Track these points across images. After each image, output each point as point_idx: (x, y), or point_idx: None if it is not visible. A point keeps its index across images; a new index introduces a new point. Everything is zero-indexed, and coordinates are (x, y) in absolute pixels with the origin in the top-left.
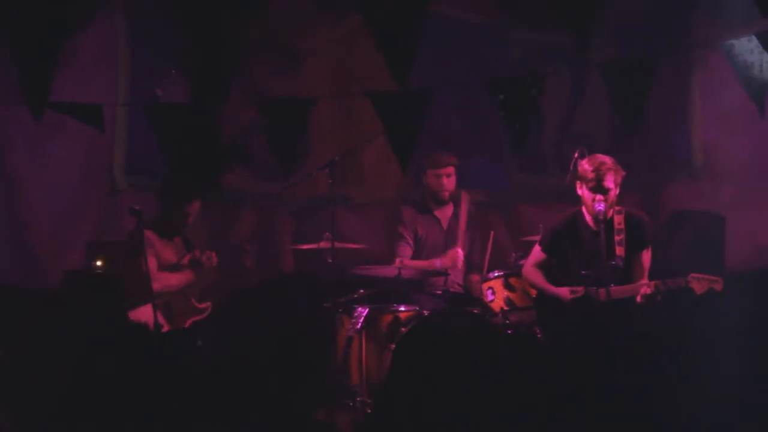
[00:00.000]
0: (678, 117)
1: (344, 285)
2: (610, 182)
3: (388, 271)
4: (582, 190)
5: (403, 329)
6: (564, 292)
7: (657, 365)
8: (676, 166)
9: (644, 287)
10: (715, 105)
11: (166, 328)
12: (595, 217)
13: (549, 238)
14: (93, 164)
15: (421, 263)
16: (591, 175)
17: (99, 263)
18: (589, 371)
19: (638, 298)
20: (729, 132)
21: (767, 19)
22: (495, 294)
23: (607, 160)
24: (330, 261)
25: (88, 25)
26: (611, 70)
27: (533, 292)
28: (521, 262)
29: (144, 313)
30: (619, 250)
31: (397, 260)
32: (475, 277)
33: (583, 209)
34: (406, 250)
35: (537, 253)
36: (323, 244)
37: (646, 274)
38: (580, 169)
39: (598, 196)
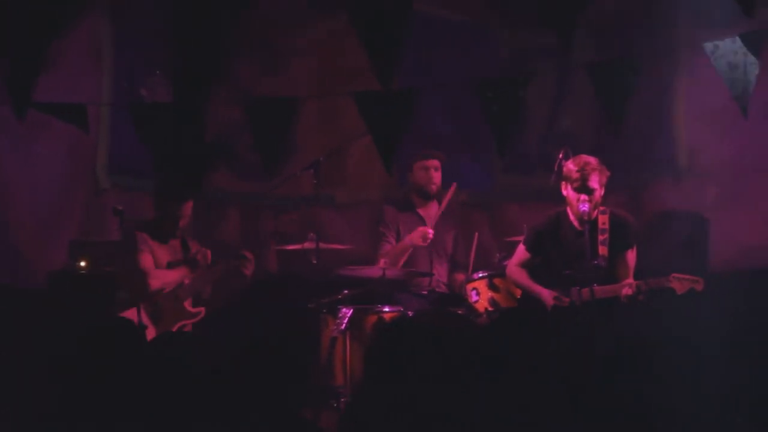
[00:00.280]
0: (662, 117)
1: (328, 286)
2: (594, 183)
3: (373, 271)
4: (567, 191)
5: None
6: (547, 296)
7: (639, 366)
8: (659, 166)
9: (626, 288)
10: (698, 106)
11: (152, 331)
12: (580, 217)
13: (533, 237)
14: (77, 164)
15: (395, 248)
16: (576, 176)
17: (83, 263)
18: (575, 373)
19: (621, 299)
20: (713, 133)
21: (751, 20)
22: (479, 295)
23: (592, 160)
24: (314, 262)
25: (73, 25)
26: (596, 70)
27: (518, 293)
28: (505, 263)
29: (131, 315)
30: (603, 250)
31: (381, 261)
32: (460, 276)
33: (568, 209)
34: (386, 249)
35: (521, 252)
36: (307, 245)
37: (631, 274)
38: (565, 169)
39: (583, 197)
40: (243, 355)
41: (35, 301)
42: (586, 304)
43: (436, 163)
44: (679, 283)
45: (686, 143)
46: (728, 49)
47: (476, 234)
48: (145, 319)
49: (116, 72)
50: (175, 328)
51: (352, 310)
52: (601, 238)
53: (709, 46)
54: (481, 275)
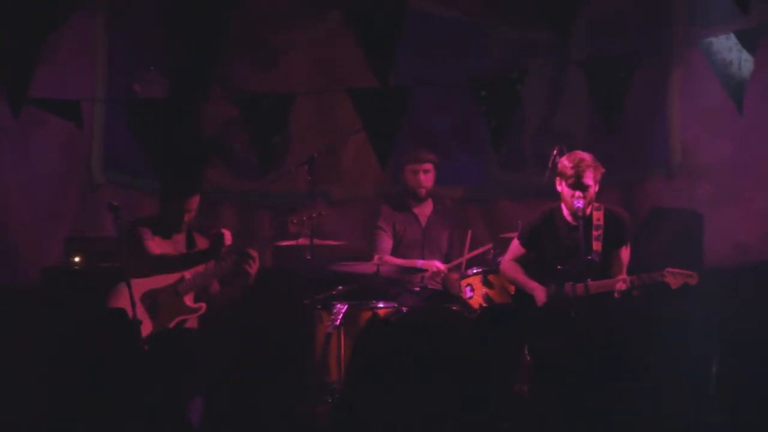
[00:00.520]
0: (657, 114)
1: (323, 282)
2: (589, 179)
3: (367, 267)
4: (561, 187)
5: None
6: (539, 294)
7: (633, 360)
8: (654, 163)
9: (620, 283)
10: (693, 103)
11: (149, 325)
12: (574, 214)
13: (527, 232)
14: (71, 160)
15: (401, 261)
16: (570, 172)
17: (77, 259)
18: (568, 368)
19: (615, 294)
20: (707, 130)
21: (746, 17)
22: (474, 291)
23: (587, 157)
24: (309, 258)
25: (68, 21)
26: (592, 67)
27: (512, 289)
28: (499, 259)
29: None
30: (597, 245)
31: (376, 257)
32: (454, 275)
33: (562, 205)
34: (386, 243)
35: (516, 247)
36: (302, 241)
37: (624, 270)
38: (559, 165)
39: (577, 193)
40: (236, 351)
41: (30, 297)
42: (580, 299)
43: (426, 166)
44: (673, 277)
45: (681, 140)
46: (723, 46)
47: (469, 232)
48: (142, 314)
49: (110, 68)
50: (173, 324)
51: (346, 306)
52: (595, 233)
53: (704, 43)
54: (475, 271)
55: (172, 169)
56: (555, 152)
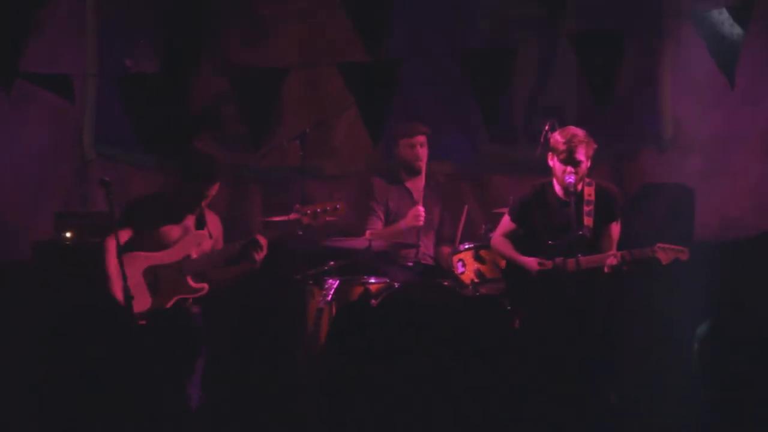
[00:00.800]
0: (648, 89)
1: (315, 257)
2: (581, 155)
3: (359, 243)
4: (553, 162)
5: (373, 300)
6: (532, 263)
7: (624, 334)
8: (645, 137)
9: (611, 258)
10: (685, 77)
11: (148, 301)
12: (566, 189)
13: (518, 207)
14: (61, 135)
15: (387, 229)
16: (562, 147)
17: (68, 234)
18: (559, 342)
19: (605, 269)
20: (699, 104)
21: None
22: (465, 266)
23: (579, 132)
24: (300, 233)
25: None
26: (582, 41)
27: (503, 264)
28: (491, 234)
29: (118, 285)
30: (588, 221)
31: (368, 232)
32: (446, 249)
33: (553, 180)
34: (376, 224)
35: (506, 222)
36: (293, 216)
37: (614, 245)
38: (551, 140)
39: (569, 169)
40: (228, 326)
41: (21, 272)
42: (572, 274)
43: (421, 139)
44: (664, 253)
45: (672, 114)
46: (715, 20)
47: (465, 207)
48: (142, 289)
49: (101, 42)
50: (171, 302)
51: (338, 281)
52: (586, 209)
53: (695, 16)
54: (467, 246)
55: (194, 154)
56: (547, 127)
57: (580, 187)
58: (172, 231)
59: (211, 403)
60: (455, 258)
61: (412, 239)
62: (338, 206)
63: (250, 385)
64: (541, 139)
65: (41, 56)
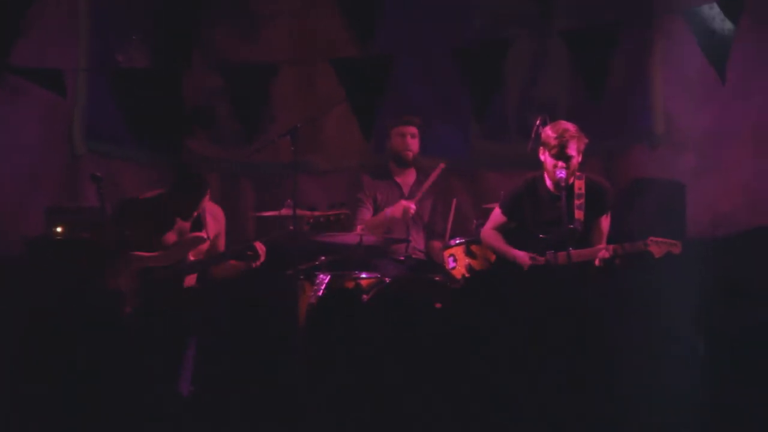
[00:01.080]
0: (639, 84)
1: (306, 252)
2: (572, 150)
3: (350, 237)
4: (544, 156)
5: (364, 296)
6: (523, 257)
7: (615, 329)
8: (637, 133)
9: (603, 251)
10: (676, 72)
11: (140, 302)
12: (556, 183)
13: (509, 201)
14: (52, 130)
15: (375, 218)
16: (554, 142)
17: (59, 229)
18: (548, 336)
19: (596, 262)
20: (690, 99)
21: None
22: (456, 261)
23: (571, 127)
24: (292, 228)
25: None
26: (574, 37)
27: (494, 259)
28: (481, 230)
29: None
30: (579, 215)
31: (359, 227)
32: (437, 243)
33: (545, 174)
34: (365, 215)
35: (497, 215)
36: (285, 211)
37: (604, 239)
38: (543, 135)
39: (560, 163)
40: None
41: (11, 267)
42: (563, 267)
43: (413, 129)
44: (657, 246)
45: (663, 110)
46: (706, 16)
47: (454, 201)
48: (135, 289)
49: (93, 36)
50: (164, 303)
51: (329, 277)
52: (577, 203)
53: (687, 12)
54: (458, 241)
55: (183, 169)
56: (538, 122)
57: (570, 181)
58: (168, 233)
59: (201, 398)
60: (446, 253)
61: (402, 234)
62: (341, 216)
63: (241, 380)
64: (533, 135)
65: (32, 51)
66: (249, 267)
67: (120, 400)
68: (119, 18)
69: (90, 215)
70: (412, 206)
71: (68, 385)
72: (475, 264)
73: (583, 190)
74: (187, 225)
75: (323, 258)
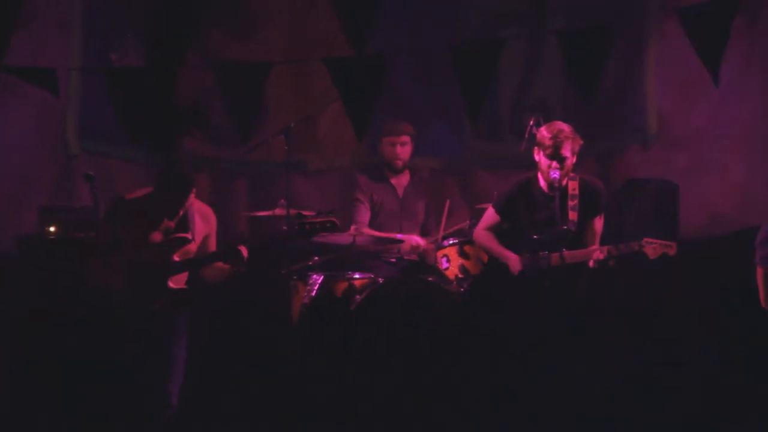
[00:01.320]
0: (633, 84)
1: (299, 252)
2: (567, 151)
3: (343, 238)
4: (539, 156)
5: (357, 296)
6: (515, 260)
7: (607, 329)
8: (631, 133)
9: (597, 252)
10: (670, 72)
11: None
12: (550, 184)
13: (503, 201)
14: (46, 128)
15: (381, 234)
16: (548, 143)
17: (52, 229)
18: (540, 336)
19: (591, 263)
20: (684, 100)
21: None
22: (450, 262)
23: (566, 128)
24: (285, 228)
25: None
26: (567, 38)
27: (485, 258)
28: (474, 230)
29: None
30: (572, 215)
31: (353, 228)
32: (430, 245)
33: (539, 174)
34: (364, 214)
35: (490, 215)
36: (278, 211)
37: (597, 240)
38: (538, 135)
39: (554, 164)
40: (213, 321)
41: (5, 266)
42: (555, 269)
43: (404, 138)
44: (652, 248)
45: (657, 110)
46: (700, 17)
47: (447, 201)
48: (122, 288)
49: (86, 35)
50: (151, 304)
51: (322, 277)
52: (571, 203)
53: (681, 13)
54: (451, 242)
55: (169, 167)
56: (531, 123)
57: (564, 182)
58: (154, 234)
59: (192, 400)
60: (440, 253)
61: (395, 233)
62: (336, 223)
63: (234, 382)
64: (526, 135)
65: (26, 49)
66: (236, 271)
67: (110, 400)
68: (113, 16)
69: (83, 215)
70: (422, 244)
71: (56, 383)
72: (469, 265)
73: (577, 191)
74: (173, 225)
75: (316, 258)
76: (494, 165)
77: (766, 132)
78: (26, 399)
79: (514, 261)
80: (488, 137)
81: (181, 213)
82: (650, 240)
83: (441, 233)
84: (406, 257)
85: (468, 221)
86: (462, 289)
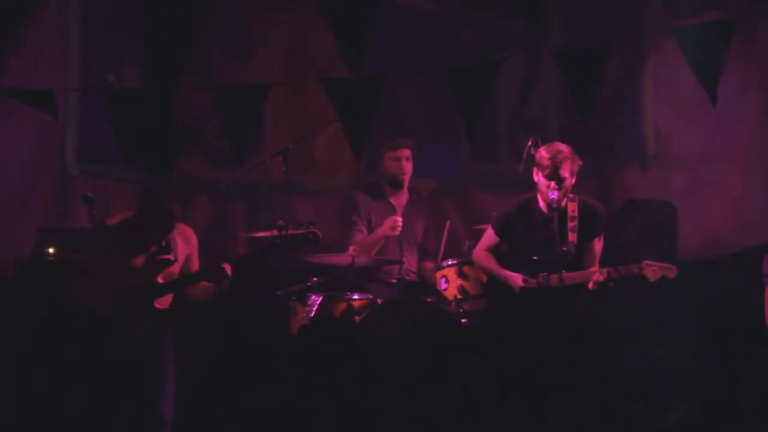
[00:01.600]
0: (631, 104)
1: (298, 273)
2: (565, 171)
3: (342, 258)
4: (538, 177)
5: (356, 317)
6: (515, 278)
7: (606, 353)
8: (628, 154)
9: (597, 274)
10: (668, 93)
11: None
12: (549, 204)
13: (502, 222)
14: (44, 150)
15: (366, 239)
16: (547, 163)
17: (51, 250)
18: (539, 358)
19: (590, 285)
20: (681, 120)
21: (721, 8)
22: (448, 282)
23: (565, 149)
24: (266, 239)
25: (41, 9)
26: (565, 58)
27: (486, 280)
28: (473, 251)
29: None
30: (572, 237)
31: (351, 248)
32: (429, 264)
33: (538, 195)
34: (358, 238)
35: (490, 236)
36: (276, 232)
37: (597, 261)
38: (537, 156)
39: (552, 184)
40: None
41: (2, 288)
42: (554, 290)
43: (407, 152)
44: (652, 270)
45: (654, 130)
46: (697, 37)
47: (447, 222)
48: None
49: (84, 56)
50: (138, 327)
51: (321, 298)
52: (570, 225)
53: (678, 33)
54: (450, 263)
55: (153, 198)
56: (530, 143)
57: (564, 203)
58: (137, 257)
59: (187, 423)
60: (438, 274)
61: (395, 255)
62: (317, 233)
63: (232, 404)
64: (524, 156)
65: (24, 70)
66: (219, 288)
67: (103, 423)
68: (111, 38)
69: (82, 236)
70: (399, 219)
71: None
72: (468, 285)
73: (576, 213)
74: (154, 248)
75: (315, 279)
76: (492, 185)
77: (764, 152)
78: (20, 420)
79: (514, 279)
80: (486, 157)
81: (163, 243)
82: (650, 262)
83: (441, 254)
84: (406, 277)
85: (466, 242)
86: (461, 310)
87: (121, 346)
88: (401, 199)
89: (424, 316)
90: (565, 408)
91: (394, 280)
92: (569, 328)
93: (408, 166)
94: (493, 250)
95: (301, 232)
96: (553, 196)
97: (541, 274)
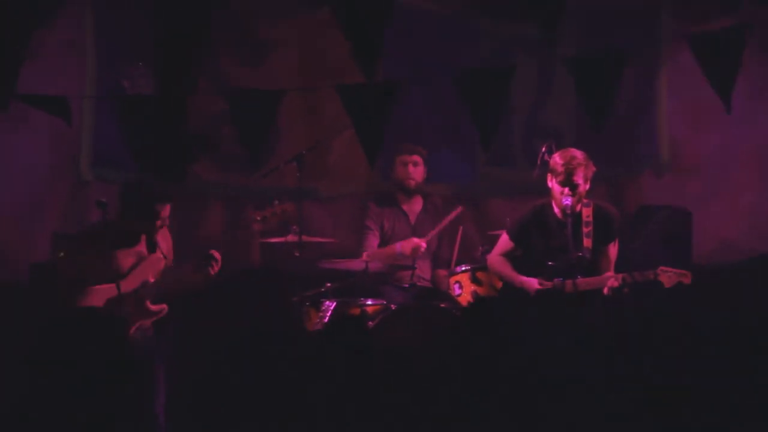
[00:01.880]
0: (645, 111)
1: (311, 278)
2: (579, 177)
3: (356, 264)
4: (552, 183)
5: (370, 323)
6: (532, 282)
7: (621, 358)
8: (643, 160)
9: (612, 280)
10: (682, 100)
11: None
12: (563, 210)
13: (517, 227)
14: (59, 156)
15: (383, 251)
16: (561, 169)
17: (63, 255)
18: (555, 363)
19: (605, 291)
20: (696, 127)
21: (735, 15)
22: (462, 288)
23: (579, 155)
24: (297, 254)
25: (55, 16)
26: (579, 65)
27: (500, 285)
28: (488, 257)
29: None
30: (587, 242)
31: (364, 254)
32: (443, 272)
33: (552, 201)
34: (372, 242)
35: (504, 242)
36: (290, 238)
37: (612, 266)
38: (551, 162)
39: (566, 190)
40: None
41: (17, 293)
42: (570, 296)
43: (415, 158)
44: (667, 276)
45: (669, 137)
46: (712, 43)
47: (460, 228)
48: None
49: (98, 63)
50: (133, 329)
51: (335, 303)
52: (585, 230)
53: (692, 40)
54: (464, 268)
55: (144, 168)
56: (544, 149)
57: (578, 208)
58: (126, 259)
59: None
60: (452, 280)
61: (408, 261)
62: (287, 210)
63: (243, 410)
64: (538, 162)
65: (39, 77)
66: (207, 276)
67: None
68: (125, 44)
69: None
70: (423, 245)
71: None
72: (481, 291)
73: (590, 218)
74: (143, 245)
75: (329, 284)
76: (506, 191)
77: None
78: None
79: (529, 284)
80: (500, 164)
81: (158, 225)
82: (665, 268)
83: (454, 260)
84: (419, 283)
85: (480, 248)
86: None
87: (117, 347)
88: (414, 206)
89: (438, 322)
90: (574, 413)
91: (407, 285)
92: (582, 333)
93: (416, 172)
94: (509, 255)
95: (278, 207)
96: (567, 203)
97: (556, 280)
